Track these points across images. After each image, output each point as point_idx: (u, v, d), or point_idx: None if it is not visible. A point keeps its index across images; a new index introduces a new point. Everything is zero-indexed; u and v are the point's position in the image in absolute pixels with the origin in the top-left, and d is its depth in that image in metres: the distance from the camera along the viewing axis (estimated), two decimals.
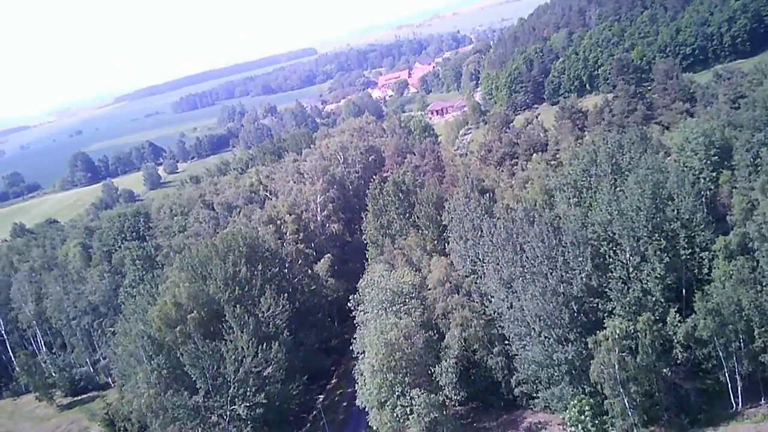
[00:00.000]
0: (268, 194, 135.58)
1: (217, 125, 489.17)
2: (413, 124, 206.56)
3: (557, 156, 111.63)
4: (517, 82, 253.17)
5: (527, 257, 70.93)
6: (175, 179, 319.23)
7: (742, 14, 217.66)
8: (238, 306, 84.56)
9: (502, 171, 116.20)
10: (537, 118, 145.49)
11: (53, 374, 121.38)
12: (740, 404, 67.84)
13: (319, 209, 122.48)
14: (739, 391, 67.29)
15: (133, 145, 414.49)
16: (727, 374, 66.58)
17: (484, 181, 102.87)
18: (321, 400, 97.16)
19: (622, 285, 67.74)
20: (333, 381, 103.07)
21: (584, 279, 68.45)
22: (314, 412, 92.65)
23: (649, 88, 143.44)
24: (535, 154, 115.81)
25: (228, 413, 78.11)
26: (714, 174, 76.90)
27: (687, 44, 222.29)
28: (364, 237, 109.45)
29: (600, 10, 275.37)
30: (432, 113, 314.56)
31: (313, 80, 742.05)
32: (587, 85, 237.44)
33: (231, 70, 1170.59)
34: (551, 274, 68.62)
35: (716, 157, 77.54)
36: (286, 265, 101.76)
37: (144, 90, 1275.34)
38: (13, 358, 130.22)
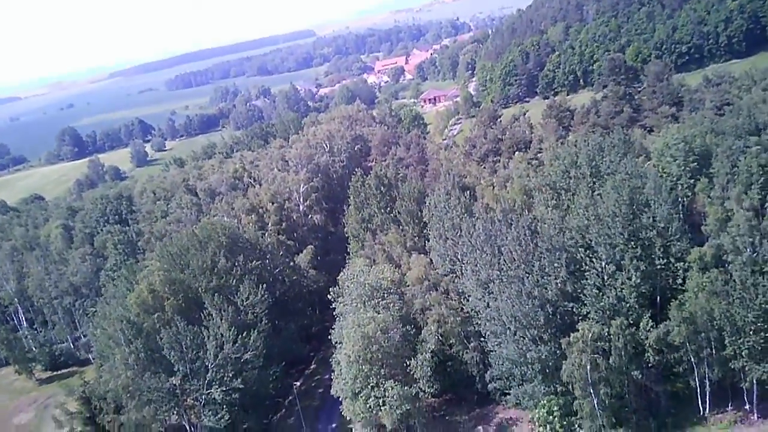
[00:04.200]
0: (252, 181, 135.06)
1: (209, 104, 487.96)
2: (404, 114, 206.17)
3: (539, 155, 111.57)
4: (512, 74, 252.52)
5: (504, 260, 71.37)
6: (163, 157, 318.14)
7: (738, 14, 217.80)
8: (217, 295, 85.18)
9: (485, 168, 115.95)
10: (524, 115, 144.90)
11: (33, 349, 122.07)
12: (708, 409, 68.87)
13: (302, 199, 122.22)
14: (708, 397, 68.28)
15: (122, 122, 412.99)
16: (697, 379, 67.57)
17: (465, 178, 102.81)
18: (298, 385, 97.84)
19: (597, 291, 68.20)
20: (312, 367, 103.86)
21: (559, 285, 69.00)
22: (290, 398, 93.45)
23: (639, 89, 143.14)
24: (517, 153, 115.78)
25: (204, 397, 78.81)
26: (692, 181, 76.93)
27: (683, 42, 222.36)
28: (346, 229, 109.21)
29: (598, 6, 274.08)
30: (425, 102, 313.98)
31: (310, 63, 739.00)
32: (581, 81, 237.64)
33: (228, 50, 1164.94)
34: (527, 278, 69.14)
35: (695, 164, 77.56)
36: (267, 257, 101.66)
37: (139, 67, 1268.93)
38: None
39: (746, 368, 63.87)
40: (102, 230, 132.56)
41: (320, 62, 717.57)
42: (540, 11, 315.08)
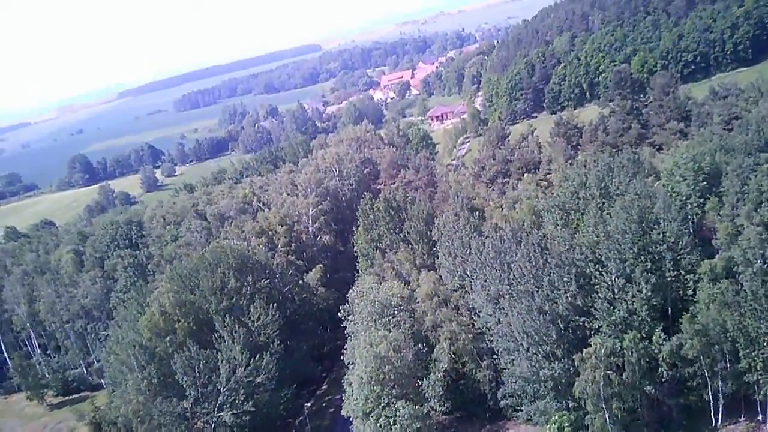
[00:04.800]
0: (261, 205, 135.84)
1: (217, 126, 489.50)
2: (412, 133, 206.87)
3: (548, 176, 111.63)
4: (518, 88, 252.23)
5: (514, 276, 71.67)
6: (173, 182, 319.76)
7: (744, 21, 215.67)
8: (228, 316, 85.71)
9: (493, 190, 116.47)
10: (533, 134, 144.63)
11: (47, 375, 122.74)
12: (720, 421, 68.79)
13: (311, 221, 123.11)
14: (720, 409, 68.25)
15: (132, 147, 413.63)
16: (710, 392, 67.35)
17: (474, 200, 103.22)
18: (309, 406, 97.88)
19: (608, 305, 68.16)
20: (323, 387, 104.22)
21: (569, 299, 69.09)
22: (300, 418, 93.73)
23: (646, 103, 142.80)
24: (526, 174, 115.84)
25: (214, 420, 79.33)
26: (702, 200, 76.40)
27: (689, 51, 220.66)
28: (355, 249, 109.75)
29: (603, 15, 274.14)
30: (432, 119, 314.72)
31: (317, 78, 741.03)
32: (588, 94, 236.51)
33: (235, 66, 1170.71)
34: (537, 292, 69.40)
35: (705, 183, 77.01)
36: (277, 276, 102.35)
37: (147, 85, 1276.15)
38: (7, 360, 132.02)
39: (761, 381, 63.52)
40: (112, 254, 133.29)
41: (326, 77, 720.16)
42: (545, 21, 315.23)
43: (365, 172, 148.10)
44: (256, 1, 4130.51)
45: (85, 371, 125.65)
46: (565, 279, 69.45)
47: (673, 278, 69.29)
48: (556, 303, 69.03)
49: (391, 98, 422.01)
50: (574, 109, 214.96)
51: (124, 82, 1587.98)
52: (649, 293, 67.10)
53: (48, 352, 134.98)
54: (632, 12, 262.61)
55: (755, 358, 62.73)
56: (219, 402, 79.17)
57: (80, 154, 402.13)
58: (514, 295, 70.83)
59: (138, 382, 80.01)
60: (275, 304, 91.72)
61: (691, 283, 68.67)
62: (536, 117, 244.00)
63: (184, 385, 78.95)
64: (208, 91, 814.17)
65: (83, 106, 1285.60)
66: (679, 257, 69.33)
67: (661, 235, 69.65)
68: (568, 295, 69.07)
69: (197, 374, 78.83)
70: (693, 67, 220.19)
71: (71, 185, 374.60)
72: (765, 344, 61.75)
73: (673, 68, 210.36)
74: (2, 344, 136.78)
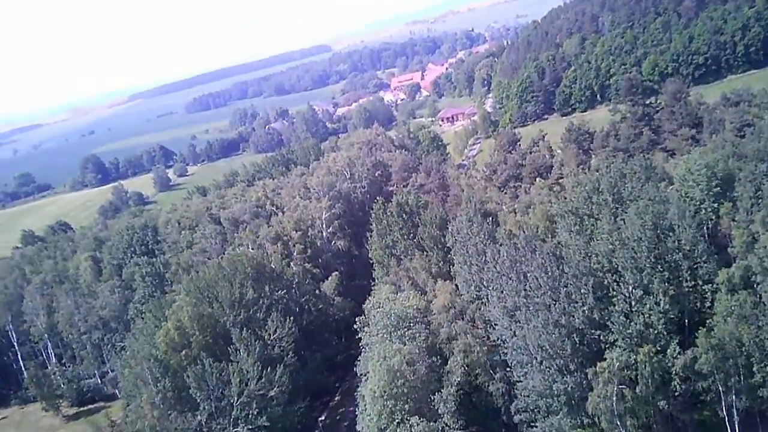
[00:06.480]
0: (274, 209, 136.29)
1: (228, 128, 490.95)
2: (422, 135, 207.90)
3: (560, 181, 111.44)
4: (528, 91, 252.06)
5: (530, 287, 70.86)
6: (185, 182, 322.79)
7: (755, 22, 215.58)
8: (244, 329, 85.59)
9: (505, 194, 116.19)
10: (543, 138, 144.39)
11: (62, 386, 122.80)
12: None
13: (324, 225, 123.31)
14: (736, 425, 67.37)
15: (144, 148, 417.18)
16: (725, 407, 66.67)
17: (487, 204, 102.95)
18: (323, 419, 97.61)
19: (624, 318, 67.53)
20: (336, 398, 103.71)
21: (586, 312, 68.43)
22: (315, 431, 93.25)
23: (657, 109, 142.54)
24: (538, 179, 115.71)
25: None
26: (715, 205, 76.16)
27: (700, 53, 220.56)
28: (370, 254, 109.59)
29: (613, 17, 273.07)
30: (442, 120, 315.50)
31: (326, 80, 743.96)
32: (599, 96, 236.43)
33: (245, 68, 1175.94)
34: (554, 305, 68.58)
35: (718, 188, 76.68)
36: (294, 286, 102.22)
37: (158, 88, 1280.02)
38: (23, 369, 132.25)
39: None
40: (129, 261, 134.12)
41: (336, 80, 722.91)
42: (555, 23, 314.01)
43: (377, 174, 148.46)
44: (264, 3, 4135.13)
45: (99, 381, 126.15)
46: (582, 290, 68.66)
47: (691, 288, 68.86)
48: (573, 316, 68.34)
49: (401, 100, 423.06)
50: (585, 111, 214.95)
51: (135, 85, 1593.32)
52: (667, 306, 66.56)
53: (63, 361, 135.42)
54: (642, 13, 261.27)
55: None
56: (233, 416, 78.80)
57: (92, 155, 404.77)
58: (531, 308, 69.89)
59: (152, 396, 79.86)
60: (292, 318, 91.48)
61: (708, 293, 68.23)
62: (547, 119, 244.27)
63: (198, 399, 78.68)
64: (219, 94, 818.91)
65: (94, 108, 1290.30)
66: (695, 266, 68.92)
67: (676, 242, 69.25)
68: (585, 308, 68.32)
69: (210, 388, 78.63)
70: (704, 69, 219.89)
71: (84, 185, 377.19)
72: None
73: (684, 70, 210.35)
74: (19, 354, 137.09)
